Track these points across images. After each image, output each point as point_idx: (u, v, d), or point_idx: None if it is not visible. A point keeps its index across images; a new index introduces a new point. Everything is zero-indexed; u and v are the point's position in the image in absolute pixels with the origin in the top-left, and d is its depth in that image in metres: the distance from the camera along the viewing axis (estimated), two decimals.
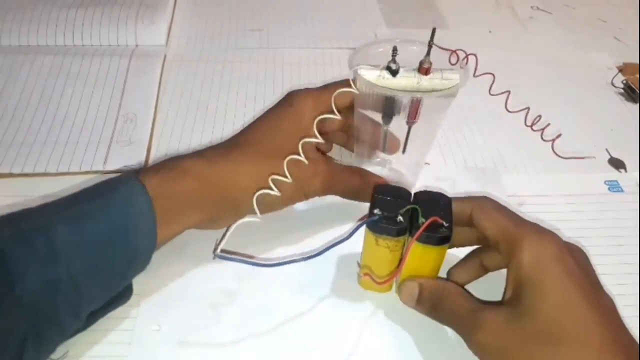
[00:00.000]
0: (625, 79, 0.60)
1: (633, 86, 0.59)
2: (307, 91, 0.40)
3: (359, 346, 0.36)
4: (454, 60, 0.38)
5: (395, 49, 0.36)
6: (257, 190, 0.35)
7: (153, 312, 0.37)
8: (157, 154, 0.48)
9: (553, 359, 0.28)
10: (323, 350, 0.35)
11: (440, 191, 0.35)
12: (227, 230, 0.35)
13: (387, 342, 0.36)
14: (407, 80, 0.36)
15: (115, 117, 0.51)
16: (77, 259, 0.30)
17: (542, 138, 0.52)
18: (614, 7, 0.75)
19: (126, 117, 0.51)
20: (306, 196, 0.39)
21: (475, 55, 0.37)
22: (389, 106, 0.38)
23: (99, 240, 0.31)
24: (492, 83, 0.39)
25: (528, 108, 0.53)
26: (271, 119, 0.39)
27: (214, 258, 0.33)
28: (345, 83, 0.38)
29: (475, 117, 0.55)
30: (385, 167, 0.46)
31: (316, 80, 0.57)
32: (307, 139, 0.37)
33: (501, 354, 0.30)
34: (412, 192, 0.35)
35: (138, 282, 0.38)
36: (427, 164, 0.49)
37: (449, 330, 0.36)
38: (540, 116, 0.53)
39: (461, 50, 0.38)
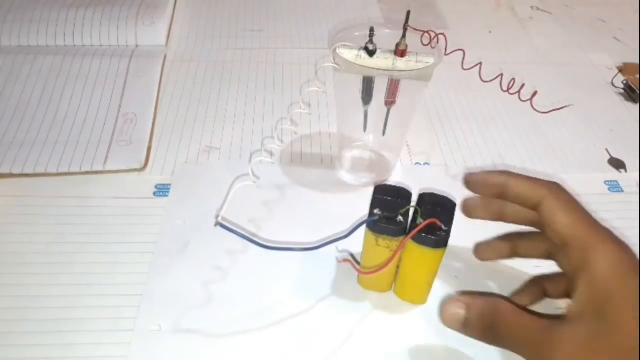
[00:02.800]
0: (625, 79, 0.60)
1: (633, 86, 0.59)
2: None
3: (359, 345, 0.36)
4: (425, 41, 0.40)
5: (372, 30, 0.38)
6: None
7: (153, 312, 0.37)
8: (157, 154, 0.48)
9: None
10: (323, 350, 0.35)
11: (444, 194, 0.35)
12: (225, 198, 0.36)
13: (387, 342, 0.36)
14: (383, 60, 0.38)
15: (115, 116, 0.51)
16: None
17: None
18: (614, 7, 0.76)
19: (126, 117, 0.51)
20: None
21: (444, 34, 0.40)
22: (366, 86, 0.40)
23: None
24: (480, 69, 0.40)
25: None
26: None
27: (214, 225, 0.34)
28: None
29: (475, 116, 0.55)
30: (367, 148, 0.47)
31: (316, 80, 0.57)
32: None
33: None
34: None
35: (138, 282, 0.38)
36: (426, 164, 0.49)
37: (449, 330, 0.36)
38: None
39: (431, 30, 0.40)
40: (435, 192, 0.35)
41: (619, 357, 0.26)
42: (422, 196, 0.34)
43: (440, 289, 0.39)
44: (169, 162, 0.48)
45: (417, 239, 0.33)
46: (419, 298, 0.38)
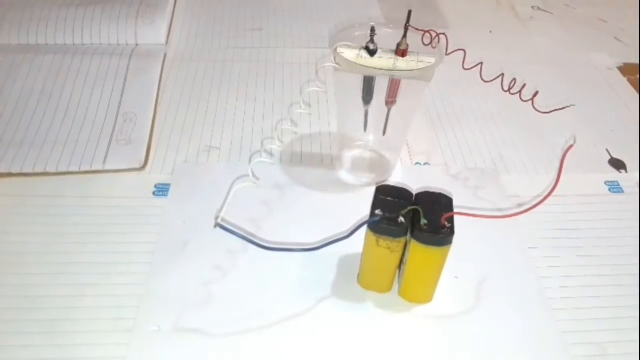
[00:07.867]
0: (625, 79, 0.60)
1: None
2: None
3: (359, 346, 0.36)
4: (426, 40, 0.40)
5: (373, 29, 0.38)
6: None
7: (152, 312, 0.37)
8: (156, 153, 0.48)
9: None
10: (323, 350, 0.35)
11: (441, 191, 0.35)
12: (225, 198, 0.36)
13: (387, 342, 0.36)
14: (384, 60, 0.38)
15: (115, 115, 0.51)
16: None
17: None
18: (614, 7, 0.76)
19: (126, 116, 0.51)
20: None
21: (445, 34, 0.40)
22: (367, 85, 0.40)
23: None
24: (480, 70, 0.41)
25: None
26: None
27: (214, 226, 0.34)
28: None
29: (475, 116, 0.55)
30: (367, 148, 0.48)
31: (316, 80, 0.57)
32: None
33: None
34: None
35: (137, 283, 0.38)
36: (426, 164, 0.49)
37: (448, 332, 0.36)
38: None
39: (432, 30, 0.40)
40: (429, 190, 0.35)
41: None
42: (418, 196, 0.34)
43: (440, 289, 0.39)
44: (169, 161, 0.47)
45: (422, 239, 0.33)
46: (425, 297, 0.38)
